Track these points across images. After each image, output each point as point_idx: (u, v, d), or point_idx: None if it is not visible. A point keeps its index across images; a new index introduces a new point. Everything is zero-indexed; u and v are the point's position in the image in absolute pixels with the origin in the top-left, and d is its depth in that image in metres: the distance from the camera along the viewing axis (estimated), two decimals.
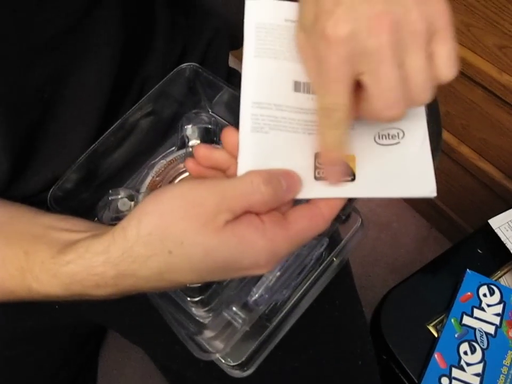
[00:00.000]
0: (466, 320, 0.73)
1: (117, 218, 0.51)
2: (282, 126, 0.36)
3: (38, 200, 0.48)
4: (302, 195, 0.35)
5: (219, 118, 0.56)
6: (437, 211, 1.29)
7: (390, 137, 0.36)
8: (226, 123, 0.56)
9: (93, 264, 0.34)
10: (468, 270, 0.76)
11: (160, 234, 0.32)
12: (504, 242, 0.77)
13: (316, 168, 0.36)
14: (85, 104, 0.49)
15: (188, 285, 0.45)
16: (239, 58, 0.39)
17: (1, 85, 0.42)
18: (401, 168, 0.36)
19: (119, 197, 0.51)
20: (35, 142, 0.48)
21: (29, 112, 0.46)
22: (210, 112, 0.56)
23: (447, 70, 0.31)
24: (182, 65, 0.53)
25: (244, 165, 0.35)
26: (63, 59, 0.45)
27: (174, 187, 0.34)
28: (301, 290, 0.48)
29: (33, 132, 0.47)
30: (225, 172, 0.37)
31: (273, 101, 0.36)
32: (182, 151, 0.53)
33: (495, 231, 0.79)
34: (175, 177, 0.52)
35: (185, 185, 0.34)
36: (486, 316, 0.73)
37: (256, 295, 0.47)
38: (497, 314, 0.73)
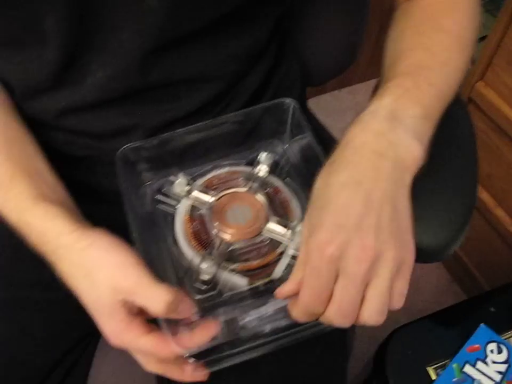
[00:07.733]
0: (468, 369, 0.74)
1: (165, 194, 0.53)
2: None
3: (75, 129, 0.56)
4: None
5: (291, 156, 0.58)
6: (461, 265, 1.28)
7: None
8: (295, 163, 0.57)
9: (41, 237, 0.45)
10: (481, 323, 0.76)
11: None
12: None
13: None
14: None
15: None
16: None
17: None
18: None
19: (178, 180, 0.52)
20: (91, 35, 0.48)
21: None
22: (285, 147, 0.58)
23: (396, 302, 0.38)
24: (285, 98, 0.55)
25: None
26: None
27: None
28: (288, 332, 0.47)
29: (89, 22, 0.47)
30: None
31: None
32: (248, 169, 0.54)
33: None
34: (229, 188, 0.52)
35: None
36: (488, 370, 0.73)
37: (247, 318, 0.48)
38: (500, 372, 0.73)
